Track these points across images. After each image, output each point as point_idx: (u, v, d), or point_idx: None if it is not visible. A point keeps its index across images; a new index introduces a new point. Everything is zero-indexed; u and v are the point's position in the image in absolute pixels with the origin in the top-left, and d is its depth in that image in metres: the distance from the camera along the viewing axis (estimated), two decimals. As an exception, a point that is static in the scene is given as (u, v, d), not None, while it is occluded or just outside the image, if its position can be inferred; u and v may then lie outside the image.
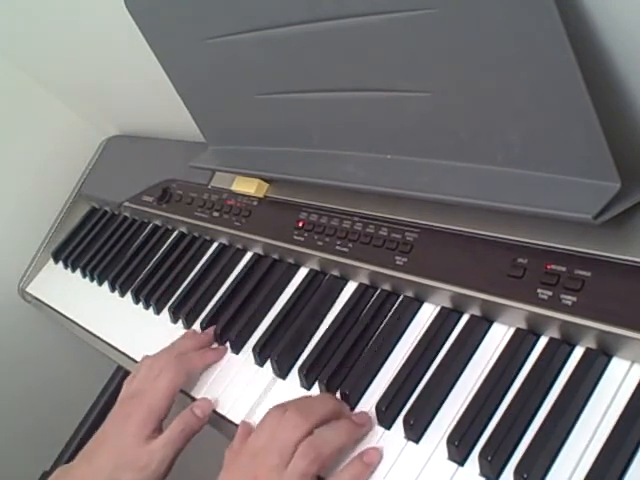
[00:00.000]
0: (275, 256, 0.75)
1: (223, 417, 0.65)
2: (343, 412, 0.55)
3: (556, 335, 0.51)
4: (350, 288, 0.66)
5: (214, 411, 0.66)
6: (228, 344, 0.71)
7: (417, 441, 0.52)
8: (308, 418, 0.52)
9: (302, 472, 0.50)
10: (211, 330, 0.73)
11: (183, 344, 0.71)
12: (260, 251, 0.78)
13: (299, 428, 0.51)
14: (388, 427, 0.54)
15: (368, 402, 0.57)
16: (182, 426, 0.62)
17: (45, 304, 1.02)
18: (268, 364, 0.65)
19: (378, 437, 0.54)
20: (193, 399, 0.68)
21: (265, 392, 0.64)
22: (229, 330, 0.71)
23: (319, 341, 0.63)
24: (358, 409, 0.57)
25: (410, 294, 0.61)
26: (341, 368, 0.59)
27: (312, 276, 0.70)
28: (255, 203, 0.78)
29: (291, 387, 0.62)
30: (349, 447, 0.53)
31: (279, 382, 0.64)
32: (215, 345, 0.72)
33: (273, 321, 0.69)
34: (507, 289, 0.52)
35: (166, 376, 0.65)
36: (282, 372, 0.64)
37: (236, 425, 0.63)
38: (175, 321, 0.79)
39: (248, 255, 0.80)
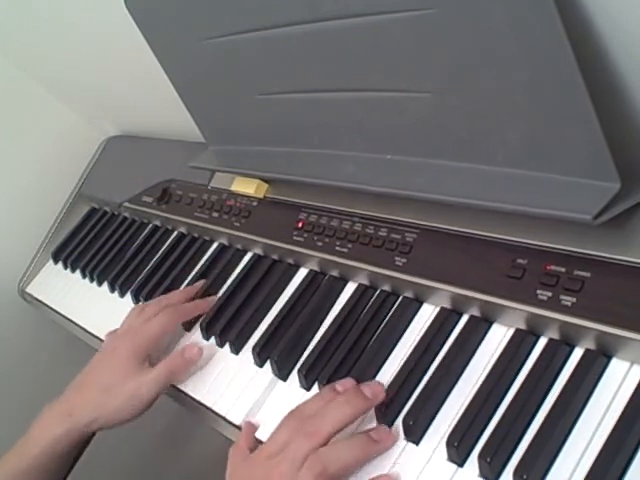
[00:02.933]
0: (275, 256, 0.75)
1: (223, 417, 0.65)
2: (363, 410, 0.53)
3: (556, 336, 0.51)
4: (350, 289, 0.66)
5: (213, 410, 0.66)
6: (228, 344, 0.71)
7: (417, 442, 0.52)
8: (324, 428, 0.51)
9: None
10: (199, 283, 0.78)
11: (171, 296, 0.75)
12: (260, 251, 0.77)
13: (312, 438, 0.50)
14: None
15: (367, 403, 0.56)
16: (170, 367, 0.66)
17: (45, 304, 1.02)
18: (268, 364, 0.65)
19: (377, 438, 0.54)
20: (193, 399, 0.68)
21: (265, 393, 0.64)
22: (229, 330, 0.71)
23: (319, 341, 0.63)
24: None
25: (410, 294, 0.61)
26: (341, 369, 0.59)
27: (312, 276, 0.70)
28: (255, 203, 0.78)
29: (291, 387, 0.62)
30: (363, 462, 0.52)
31: (279, 382, 0.64)
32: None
33: (273, 321, 0.69)
34: (507, 290, 0.52)
35: (159, 320, 0.69)
36: (282, 372, 0.64)
37: (235, 425, 0.63)
38: (175, 321, 0.79)
39: (248, 255, 0.80)
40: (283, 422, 0.54)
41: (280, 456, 0.51)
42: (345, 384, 0.55)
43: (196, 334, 0.75)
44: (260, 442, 0.59)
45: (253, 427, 0.60)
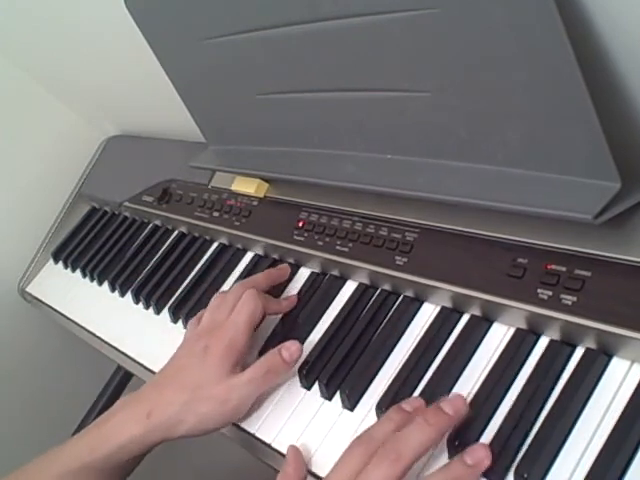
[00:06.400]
0: (275, 256, 0.75)
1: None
2: (446, 429, 0.48)
3: (556, 335, 0.51)
4: (350, 288, 0.66)
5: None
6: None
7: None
8: (406, 452, 0.45)
9: None
10: (285, 266, 0.71)
11: (256, 279, 0.68)
12: (260, 251, 0.78)
13: (396, 464, 0.44)
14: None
15: (368, 402, 0.57)
16: (267, 367, 0.59)
17: (45, 304, 1.02)
18: (268, 364, 0.65)
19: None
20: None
21: (264, 392, 0.64)
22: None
23: (319, 341, 0.63)
24: (358, 409, 0.57)
25: (410, 294, 0.61)
26: (341, 368, 0.59)
27: (312, 276, 0.70)
28: (255, 203, 0.78)
29: (291, 387, 0.62)
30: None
31: (278, 382, 0.64)
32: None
33: (273, 321, 0.69)
34: (507, 289, 0.52)
35: (246, 308, 0.62)
36: (282, 372, 0.64)
37: (236, 426, 0.63)
38: (175, 321, 0.79)
39: (248, 255, 0.80)
40: (349, 449, 0.48)
41: None
42: (413, 403, 0.51)
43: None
44: (312, 473, 0.55)
45: (300, 453, 0.55)
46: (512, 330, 0.54)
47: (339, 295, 0.67)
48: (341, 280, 0.68)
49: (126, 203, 0.98)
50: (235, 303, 0.63)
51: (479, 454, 0.45)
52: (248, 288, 0.64)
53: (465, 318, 0.57)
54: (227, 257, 0.81)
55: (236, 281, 0.77)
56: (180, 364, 0.61)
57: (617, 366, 0.47)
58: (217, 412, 0.57)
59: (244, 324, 0.61)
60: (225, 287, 0.78)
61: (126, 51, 0.82)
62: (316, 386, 0.60)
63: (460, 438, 0.49)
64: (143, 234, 0.96)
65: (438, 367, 0.55)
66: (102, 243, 1.01)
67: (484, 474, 0.47)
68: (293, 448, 0.56)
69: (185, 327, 0.77)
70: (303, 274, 0.72)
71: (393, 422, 0.48)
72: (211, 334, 0.61)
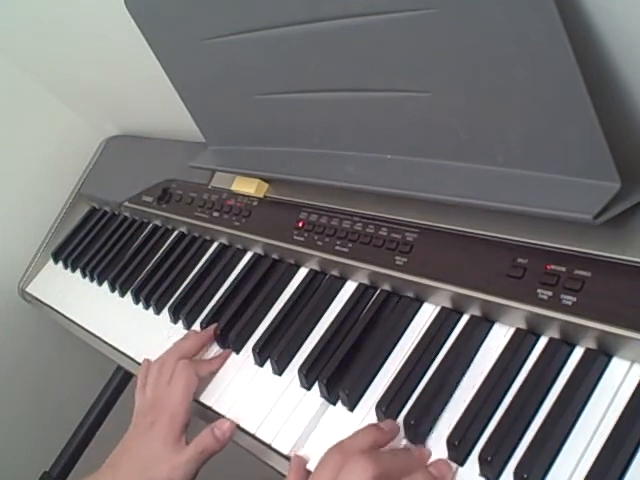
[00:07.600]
0: (275, 256, 0.75)
1: (223, 417, 0.65)
2: (418, 459, 0.50)
3: (556, 335, 0.51)
4: (350, 288, 0.66)
5: (213, 410, 0.66)
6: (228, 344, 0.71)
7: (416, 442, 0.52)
8: (378, 463, 0.46)
9: None
10: (211, 328, 0.73)
11: (185, 345, 0.71)
12: (260, 251, 0.78)
13: (368, 471, 0.46)
14: (388, 427, 0.54)
15: (368, 402, 0.57)
16: (202, 447, 0.62)
17: (45, 304, 1.02)
18: (268, 364, 0.65)
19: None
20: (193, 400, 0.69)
21: (264, 392, 0.64)
22: (229, 330, 0.71)
23: (319, 341, 0.63)
24: (358, 409, 0.57)
25: (410, 294, 0.61)
26: (341, 368, 0.59)
27: (312, 276, 0.70)
28: (255, 203, 0.78)
29: (291, 387, 0.62)
30: None
31: (279, 382, 0.64)
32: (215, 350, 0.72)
33: (273, 321, 0.69)
34: (507, 289, 0.52)
35: (180, 379, 0.66)
36: (282, 372, 0.64)
37: (236, 426, 0.63)
38: (175, 321, 0.79)
39: (248, 255, 0.80)
40: (322, 460, 0.50)
41: None
42: (389, 424, 0.53)
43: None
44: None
45: (304, 462, 0.56)
46: (512, 330, 0.54)
47: (339, 295, 0.67)
48: (341, 280, 0.68)
49: (126, 203, 0.98)
50: (171, 375, 0.67)
51: (443, 470, 0.48)
52: (179, 358, 0.69)
53: (465, 318, 0.57)
54: (227, 257, 0.81)
55: (235, 280, 0.77)
56: (130, 443, 0.65)
57: (617, 366, 0.47)
58: None
59: (183, 397, 0.65)
60: (225, 287, 0.78)
61: (126, 51, 0.82)
62: (316, 386, 0.60)
63: (460, 438, 0.48)
64: (143, 234, 0.96)
65: (438, 367, 0.55)
66: (102, 243, 1.01)
67: (483, 474, 0.47)
68: (297, 458, 0.57)
69: (185, 327, 0.77)
70: (303, 274, 0.72)
71: (370, 435, 0.50)
72: (154, 410, 0.66)
